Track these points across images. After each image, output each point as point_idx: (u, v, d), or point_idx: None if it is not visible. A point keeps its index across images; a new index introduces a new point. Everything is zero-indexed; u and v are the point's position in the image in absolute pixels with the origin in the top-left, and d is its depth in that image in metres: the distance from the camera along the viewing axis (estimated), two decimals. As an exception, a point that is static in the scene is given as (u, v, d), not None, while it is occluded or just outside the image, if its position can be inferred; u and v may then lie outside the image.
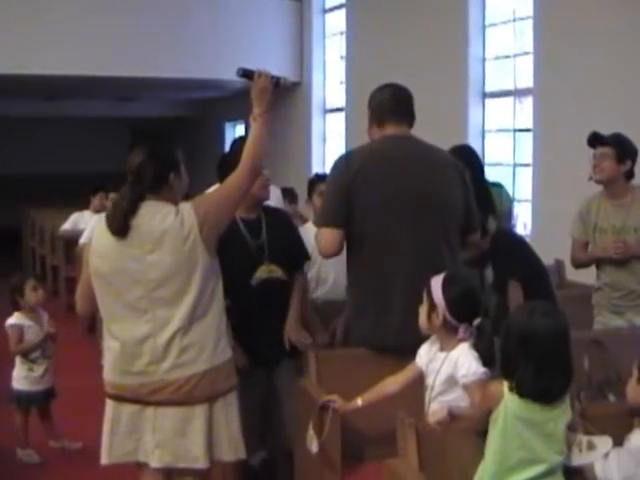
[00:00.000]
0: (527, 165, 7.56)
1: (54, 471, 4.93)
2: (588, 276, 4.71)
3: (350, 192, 3.54)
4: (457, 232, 3.68)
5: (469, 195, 3.73)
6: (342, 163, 3.70)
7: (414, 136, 3.73)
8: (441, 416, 2.74)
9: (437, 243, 3.58)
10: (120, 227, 3.08)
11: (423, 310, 3.05)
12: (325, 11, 11.46)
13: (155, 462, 3.15)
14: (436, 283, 3.02)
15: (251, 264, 3.81)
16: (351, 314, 3.82)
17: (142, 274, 3.09)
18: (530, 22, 7.40)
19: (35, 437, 5.11)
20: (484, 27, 8.21)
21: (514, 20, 7.90)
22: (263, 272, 3.83)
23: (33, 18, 9.65)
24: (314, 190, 4.96)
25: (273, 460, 4.00)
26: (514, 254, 4.41)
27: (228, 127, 15.15)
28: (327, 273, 4.75)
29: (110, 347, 3.20)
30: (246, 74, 3.35)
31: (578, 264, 4.66)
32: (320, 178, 5.08)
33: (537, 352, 2.51)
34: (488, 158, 8.00)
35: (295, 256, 4.04)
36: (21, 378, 4.99)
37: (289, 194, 7.38)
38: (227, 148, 5.43)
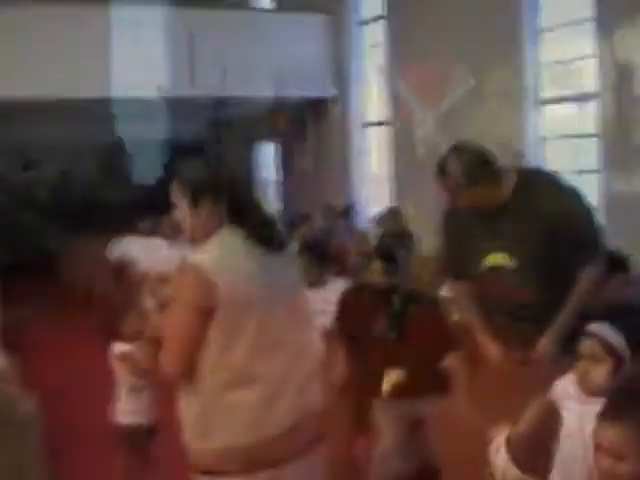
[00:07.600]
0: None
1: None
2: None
3: None
4: None
5: None
6: None
7: None
8: None
9: None
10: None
11: (601, 370, 2.47)
12: (362, 23, 11.23)
13: None
14: (608, 332, 2.49)
15: None
16: None
17: (281, 294, 2.68)
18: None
19: None
20: (538, 31, 7.95)
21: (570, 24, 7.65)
22: None
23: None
24: None
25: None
26: None
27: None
28: None
29: (237, 402, 2.55)
30: None
31: None
32: None
33: None
34: (549, 165, 7.74)
35: None
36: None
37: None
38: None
